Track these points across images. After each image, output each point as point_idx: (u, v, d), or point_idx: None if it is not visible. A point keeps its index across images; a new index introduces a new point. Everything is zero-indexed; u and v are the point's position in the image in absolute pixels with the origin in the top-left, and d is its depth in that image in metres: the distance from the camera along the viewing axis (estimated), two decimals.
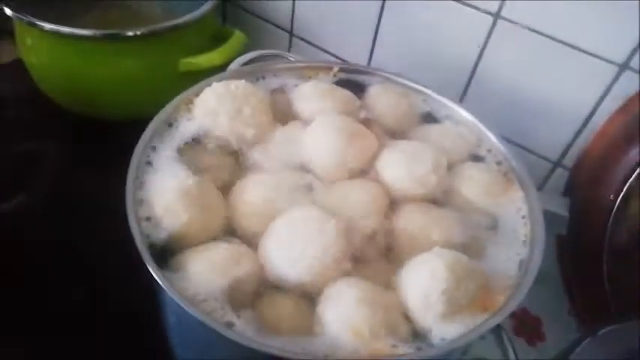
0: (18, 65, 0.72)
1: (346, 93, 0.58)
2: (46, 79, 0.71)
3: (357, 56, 0.76)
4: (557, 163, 0.68)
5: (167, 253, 0.44)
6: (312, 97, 0.56)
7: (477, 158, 0.56)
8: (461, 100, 0.71)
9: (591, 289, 0.58)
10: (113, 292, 0.55)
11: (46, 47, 0.68)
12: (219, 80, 0.55)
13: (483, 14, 0.65)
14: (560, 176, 0.68)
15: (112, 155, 0.47)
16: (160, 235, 0.44)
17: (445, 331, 0.42)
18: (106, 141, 0.49)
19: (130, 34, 0.66)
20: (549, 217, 0.55)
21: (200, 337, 0.42)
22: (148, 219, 0.45)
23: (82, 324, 0.53)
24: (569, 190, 0.63)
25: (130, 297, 0.49)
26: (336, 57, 0.79)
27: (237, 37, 0.71)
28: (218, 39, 0.72)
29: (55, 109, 0.71)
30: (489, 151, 0.57)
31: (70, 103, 0.72)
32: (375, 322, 0.40)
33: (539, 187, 0.71)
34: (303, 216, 0.46)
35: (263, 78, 0.60)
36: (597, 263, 0.56)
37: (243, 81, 0.55)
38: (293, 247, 0.43)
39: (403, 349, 0.40)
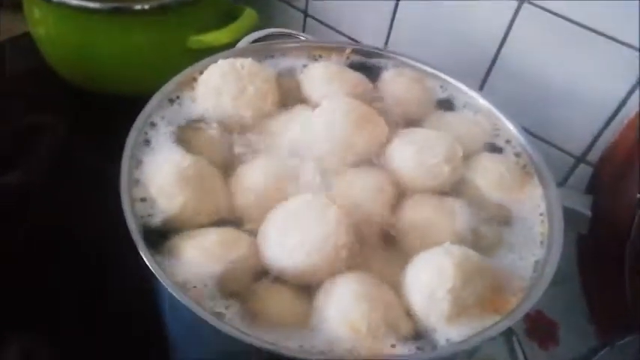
0: (27, 38, 0.70)
1: (357, 76, 0.55)
2: (53, 53, 0.69)
3: (373, 39, 0.73)
4: (581, 159, 0.64)
5: (162, 235, 0.42)
6: (321, 79, 0.53)
7: (494, 149, 0.53)
8: (481, 87, 0.68)
9: (611, 295, 0.54)
10: (108, 274, 0.53)
11: (52, 20, 0.66)
12: (226, 57, 0.52)
13: None
14: (583, 173, 0.64)
15: (115, 132, 0.45)
16: (155, 217, 0.42)
17: (450, 332, 0.39)
18: (110, 117, 0.47)
19: (138, 7, 0.64)
20: (570, 216, 0.52)
21: (190, 324, 0.40)
22: (143, 200, 0.43)
23: (75, 306, 0.52)
24: (593, 187, 0.59)
25: (126, 279, 0.47)
26: (352, 39, 0.76)
27: (248, 15, 0.69)
28: (229, 17, 0.69)
29: (62, 84, 0.69)
30: (508, 142, 0.54)
31: (76, 77, 0.70)
32: (373, 318, 0.38)
33: (560, 184, 0.67)
34: (304, 203, 0.43)
35: (271, 57, 0.57)
36: (619, 267, 0.53)
37: (249, 59, 0.52)
38: (291, 235, 0.41)
39: (402, 349, 0.37)
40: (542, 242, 0.45)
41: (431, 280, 0.40)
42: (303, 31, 0.80)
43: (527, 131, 0.65)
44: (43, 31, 0.68)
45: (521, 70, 0.64)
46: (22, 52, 0.72)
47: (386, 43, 0.73)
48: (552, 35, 0.60)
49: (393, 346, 0.37)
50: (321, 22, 0.78)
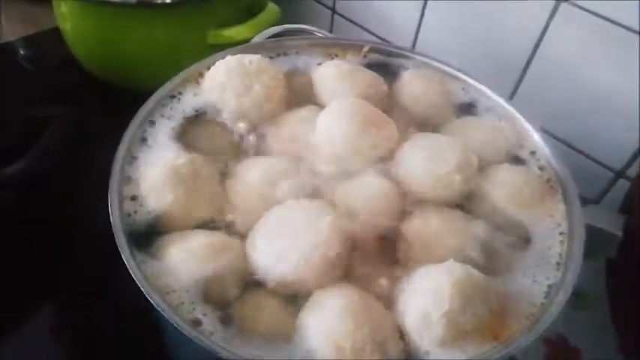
0: (57, 32, 0.71)
1: (372, 76, 0.52)
2: (77, 46, 0.70)
3: (401, 39, 0.70)
4: (621, 173, 0.59)
5: (151, 235, 0.40)
6: (332, 78, 0.51)
7: (517, 160, 0.49)
8: (513, 93, 0.63)
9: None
10: (110, 268, 0.53)
11: (77, 14, 0.67)
12: (236, 53, 0.51)
13: None
14: (623, 189, 0.59)
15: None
16: (144, 215, 0.41)
17: (443, 357, 0.36)
18: (128, 111, 0.46)
19: (160, 1, 0.63)
20: (598, 236, 0.47)
21: (168, 329, 0.39)
22: (134, 198, 0.42)
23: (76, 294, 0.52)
24: (627, 205, 0.54)
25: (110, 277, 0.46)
26: (379, 38, 0.73)
27: (270, 10, 0.67)
28: (251, 12, 0.68)
29: (86, 76, 0.70)
30: (532, 153, 0.49)
31: (99, 70, 0.71)
32: (359, 336, 0.35)
33: (597, 201, 0.62)
34: (298, 208, 0.41)
35: (285, 54, 0.55)
36: None
37: (258, 56, 0.50)
38: (280, 242, 0.39)
39: None
40: (559, 264, 0.41)
41: (426, 301, 0.36)
42: (331, 29, 0.77)
43: (562, 142, 0.61)
44: (69, 25, 0.69)
45: (555, 75, 0.59)
46: (51, 46, 0.73)
47: (414, 43, 0.69)
48: (592, 38, 0.55)
49: None
50: (349, 20, 0.75)
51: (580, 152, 0.61)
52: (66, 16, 0.69)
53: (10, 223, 0.53)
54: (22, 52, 0.77)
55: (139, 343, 0.49)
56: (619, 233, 0.47)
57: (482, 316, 0.37)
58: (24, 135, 0.53)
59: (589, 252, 0.59)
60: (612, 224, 0.49)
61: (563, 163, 0.47)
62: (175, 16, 0.65)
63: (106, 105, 0.68)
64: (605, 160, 0.60)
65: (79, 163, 0.56)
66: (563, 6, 0.55)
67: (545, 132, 0.61)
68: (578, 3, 0.54)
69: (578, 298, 0.58)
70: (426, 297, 0.37)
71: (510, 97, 0.63)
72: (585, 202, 0.54)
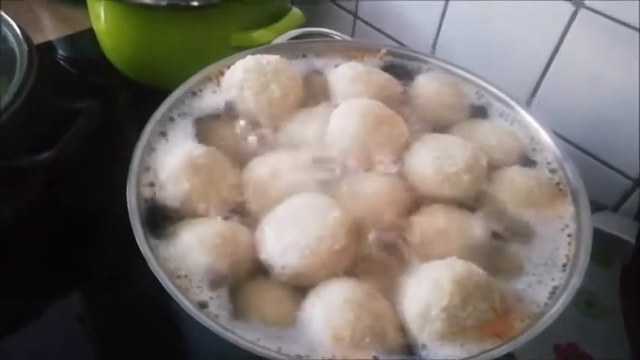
0: (91, 33, 0.75)
1: (386, 78, 0.53)
2: (109, 46, 0.73)
3: (421, 44, 0.71)
4: (639, 182, 0.58)
5: (166, 221, 0.42)
6: (347, 79, 0.52)
7: (528, 163, 0.49)
8: (531, 97, 0.63)
9: None
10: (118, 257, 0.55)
11: (110, 15, 0.70)
12: (256, 54, 0.53)
13: (564, 2, 0.56)
14: None
15: None
16: (161, 203, 0.43)
17: (442, 351, 0.36)
18: (154, 107, 0.48)
19: (187, 4, 0.66)
20: (612, 243, 0.47)
21: (178, 314, 0.41)
22: (152, 185, 0.44)
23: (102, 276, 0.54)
24: None
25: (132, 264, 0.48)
26: (399, 43, 0.73)
27: (294, 15, 0.69)
28: (275, 16, 0.69)
29: (117, 75, 0.73)
30: (544, 156, 0.49)
31: (130, 69, 0.73)
32: (358, 327, 0.36)
33: (615, 208, 0.61)
34: (308, 202, 0.43)
35: (303, 56, 0.56)
36: None
37: (276, 56, 0.52)
38: (289, 232, 0.40)
39: None
40: (565, 266, 0.41)
41: (426, 295, 0.37)
42: (352, 34, 0.79)
43: (580, 149, 0.61)
44: (102, 26, 0.72)
45: (575, 80, 0.59)
46: (86, 45, 0.76)
47: (433, 47, 0.70)
48: (611, 43, 0.55)
49: (375, 358, 0.35)
50: (370, 25, 0.76)
51: (598, 160, 0.60)
52: (99, 18, 0.72)
53: (37, 211, 0.56)
54: (60, 51, 0.81)
55: (158, 330, 0.51)
56: (631, 240, 0.47)
57: (483, 313, 0.37)
58: (54, 126, 0.55)
59: (605, 259, 0.58)
60: (629, 232, 0.48)
61: (575, 167, 0.47)
62: (202, 18, 0.67)
63: (135, 101, 0.71)
64: (623, 168, 0.59)
65: (105, 153, 0.59)
66: (583, 11, 0.55)
67: (562, 138, 0.61)
68: (598, 8, 0.54)
69: (592, 306, 0.58)
70: (427, 291, 0.37)
71: (528, 101, 0.63)
72: (602, 209, 0.54)
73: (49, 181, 0.58)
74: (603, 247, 0.52)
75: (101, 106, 0.57)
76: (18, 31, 0.57)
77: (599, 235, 0.47)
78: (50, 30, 0.85)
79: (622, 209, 0.60)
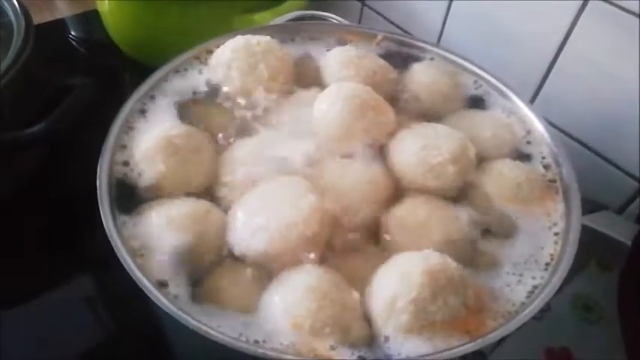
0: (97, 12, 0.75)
1: (380, 63, 0.52)
2: (112, 26, 0.73)
3: (427, 33, 0.68)
4: None
5: (138, 201, 0.42)
6: (338, 62, 0.50)
7: (522, 156, 0.47)
8: (536, 93, 0.60)
9: None
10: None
11: None
12: (245, 34, 0.51)
13: None
14: None
15: None
16: (133, 181, 0.42)
17: (405, 345, 0.35)
18: None
19: None
20: (606, 244, 0.45)
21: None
22: (126, 164, 0.43)
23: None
24: None
25: None
26: (406, 32, 0.71)
27: None
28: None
29: (120, 55, 0.73)
30: (539, 150, 0.47)
31: (132, 49, 0.73)
32: (319, 317, 0.35)
33: (620, 211, 0.58)
34: (283, 186, 0.41)
35: (297, 39, 0.55)
36: None
37: (267, 37, 0.51)
38: (259, 215, 0.39)
39: (341, 354, 0.34)
40: (547, 265, 0.39)
41: (395, 287, 0.36)
42: (360, 21, 0.77)
43: (585, 146, 0.58)
44: (106, 7, 0.72)
45: (583, 75, 0.56)
46: (93, 24, 0.77)
47: (439, 37, 0.68)
48: (622, 37, 0.52)
49: (332, 348, 0.34)
50: (377, 13, 0.74)
51: (605, 159, 0.57)
52: (103, 0, 0.72)
53: (31, 185, 0.57)
54: (72, 31, 0.82)
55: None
56: (627, 242, 0.44)
57: (454, 308, 0.35)
58: (48, 101, 0.56)
59: (605, 263, 0.56)
60: (626, 234, 0.45)
61: (570, 163, 0.45)
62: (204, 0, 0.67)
63: (137, 82, 0.71)
64: (630, 169, 0.56)
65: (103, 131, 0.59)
66: (592, 3, 0.52)
67: (569, 135, 0.58)
68: None
69: (590, 310, 0.55)
70: (396, 282, 0.36)
71: (534, 95, 0.60)
72: (602, 209, 0.51)
73: (42, 155, 0.58)
74: (601, 249, 0.49)
75: (96, 83, 0.57)
76: (17, 5, 0.57)
77: (594, 236, 0.45)
78: (63, 8, 0.86)
79: (628, 211, 0.57)
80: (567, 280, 0.54)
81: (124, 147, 0.44)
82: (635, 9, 0.49)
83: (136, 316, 0.49)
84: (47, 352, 0.47)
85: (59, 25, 0.81)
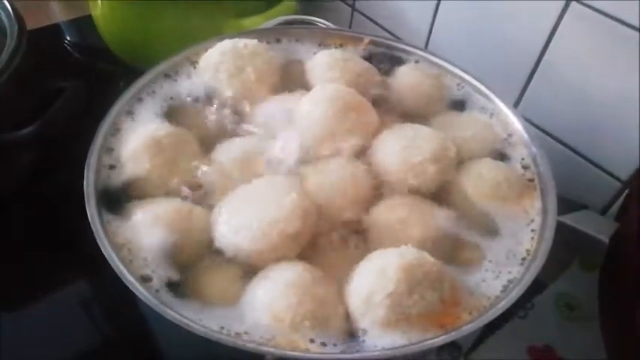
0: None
1: (365, 66, 0.53)
2: (105, 30, 0.74)
3: (415, 37, 0.69)
4: (628, 184, 0.56)
5: (124, 200, 0.42)
6: (323, 65, 0.52)
7: (501, 156, 0.48)
8: (521, 95, 0.61)
9: (628, 339, 0.46)
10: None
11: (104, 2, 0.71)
12: (233, 37, 0.53)
13: None
14: None
15: None
16: (120, 180, 0.43)
17: (382, 338, 0.36)
18: None
19: None
20: (583, 241, 0.46)
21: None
22: (112, 167, 0.44)
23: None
24: (622, 213, 0.51)
25: None
26: (395, 36, 0.72)
27: (286, 4, 0.69)
28: (269, 5, 0.70)
29: (114, 59, 0.74)
30: (519, 151, 0.48)
31: (124, 53, 0.74)
32: (299, 311, 0.36)
33: (603, 212, 0.59)
34: (266, 184, 0.42)
35: (284, 41, 0.56)
36: (634, 309, 0.44)
37: (254, 40, 0.52)
38: (243, 213, 0.40)
39: (320, 347, 0.34)
40: (524, 260, 0.40)
41: (372, 281, 0.37)
42: (350, 26, 0.78)
43: (569, 147, 0.59)
44: (99, 12, 0.73)
45: (565, 78, 0.57)
46: (87, 29, 0.78)
47: (427, 42, 0.69)
48: (603, 40, 0.53)
49: (311, 341, 0.35)
50: (368, 18, 0.75)
51: (588, 160, 0.58)
52: (96, 3, 0.74)
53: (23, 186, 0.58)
54: (67, 36, 0.83)
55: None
56: (604, 240, 0.45)
57: (431, 303, 0.36)
58: (40, 104, 0.57)
59: (587, 262, 0.56)
60: (605, 232, 0.46)
61: (547, 162, 0.46)
62: (196, 4, 0.68)
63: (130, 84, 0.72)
64: (612, 169, 0.57)
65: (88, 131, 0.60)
66: (573, 5, 0.53)
67: (552, 136, 0.59)
68: (589, 3, 0.52)
69: (573, 309, 0.56)
70: (373, 277, 0.37)
71: (519, 97, 0.61)
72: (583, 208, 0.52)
73: (35, 157, 0.59)
74: (584, 248, 0.50)
75: (89, 86, 0.59)
76: (10, 9, 0.59)
77: (577, 236, 0.46)
78: (59, 13, 0.87)
79: (610, 212, 0.58)
80: (551, 279, 0.55)
81: (111, 149, 0.45)
82: (611, 11, 0.50)
83: (129, 316, 0.50)
84: (42, 351, 0.47)
85: (54, 29, 0.83)
